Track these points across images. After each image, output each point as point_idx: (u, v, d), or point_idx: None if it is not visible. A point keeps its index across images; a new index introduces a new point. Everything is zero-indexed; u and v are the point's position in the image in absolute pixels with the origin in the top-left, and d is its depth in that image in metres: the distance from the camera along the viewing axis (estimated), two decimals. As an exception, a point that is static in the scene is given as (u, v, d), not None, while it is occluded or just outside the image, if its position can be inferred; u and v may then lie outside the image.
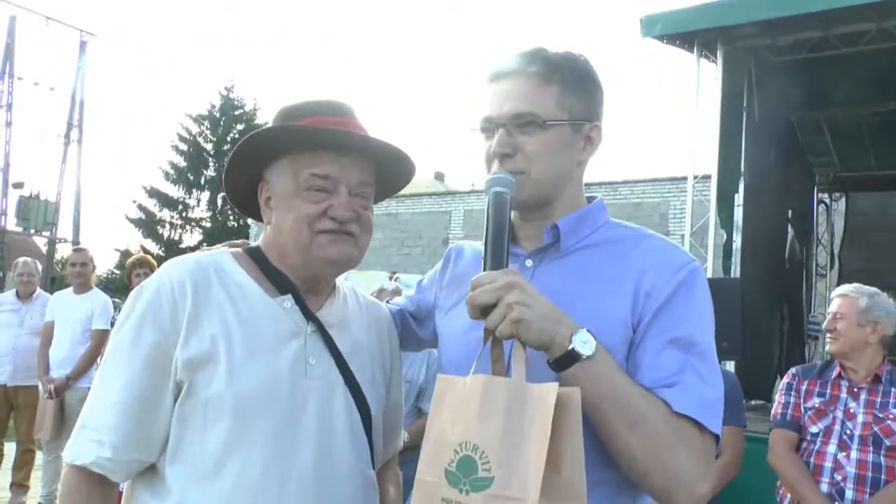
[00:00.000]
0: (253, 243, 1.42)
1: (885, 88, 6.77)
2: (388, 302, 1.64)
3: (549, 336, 1.09)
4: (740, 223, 6.23)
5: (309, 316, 1.31)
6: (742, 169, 6.28)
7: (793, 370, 3.03)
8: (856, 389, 2.79)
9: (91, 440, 1.21)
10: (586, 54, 1.32)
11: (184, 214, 28.30)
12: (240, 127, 27.67)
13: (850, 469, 2.66)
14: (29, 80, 22.23)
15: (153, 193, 27.90)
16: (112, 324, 4.66)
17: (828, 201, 10.14)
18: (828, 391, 2.85)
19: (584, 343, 1.09)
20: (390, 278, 8.38)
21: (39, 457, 5.50)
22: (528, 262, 1.29)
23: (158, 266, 1.47)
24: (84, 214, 25.65)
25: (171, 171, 27.99)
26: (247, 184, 1.38)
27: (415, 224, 16.13)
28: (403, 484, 1.56)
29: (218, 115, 28.46)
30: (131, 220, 27.71)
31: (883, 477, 2.61)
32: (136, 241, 27.73)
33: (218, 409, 1.19)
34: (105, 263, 30.56)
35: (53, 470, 5.22)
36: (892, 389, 2.74)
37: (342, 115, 1.34)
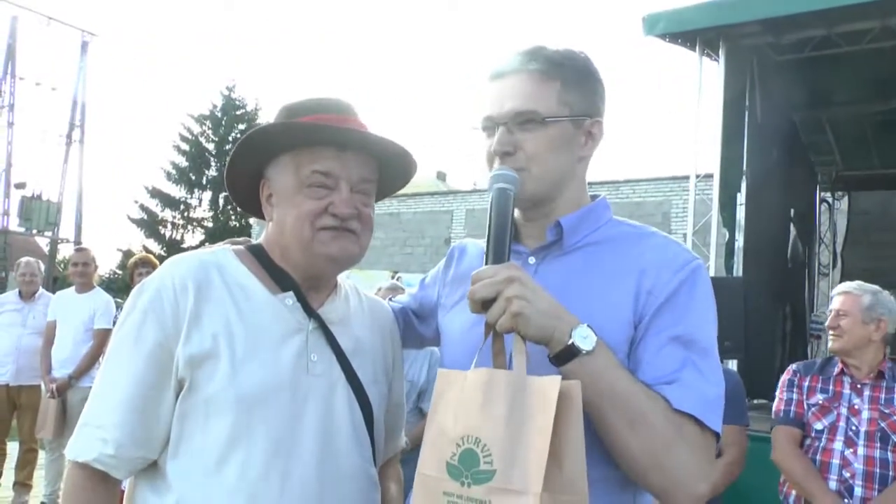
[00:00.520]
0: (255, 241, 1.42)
1: (887, 87, 6.75)
2: (390, 300, 1.64)
3: (549, 330, 1.09)
4: (742, 222, 6.19)
5: (311, 313, 1.31)
6: (744, 168, 6.25)
7: (793, 366, 3.00)
8: (859, 385, 2.77)
9: (94, 437, 1.21)
10: (587, 53, 1.31)
11: (186, 214, 28.37)
12: (241, 127, 27.73)
13: (858, 465, 2.64)
14: (30, 80, 22.35)
15: (155, 193, 27.97)
16: (114, 323, 4.66)
17: (830, 200, 10.12)
18: (830, 387, 2.82)
19: (584, 338, 1.09)
20: (392, 278, 8.37)
21: (42, 456, 5.51)
22: (532, 260, 1.29)
23: (160, 266, 1.48)
24: (86, 214, 25.76)
25: (173, 171, 28.06)
26: (248, 181, 1.38)
27: (417, 224, 16.13)
28: (404, 483, 1.56)
29: (219, 114, 28.53)
30: (133, 220, 27.80)
31: (891, 473, 2.60)
32: (137, 241, 27.87)
33: (219, 406, 1.19)
34: (107, 263, 30.74)
35: (56, 469, 5.23)
36: None
37: (344, 112, 1.34)
